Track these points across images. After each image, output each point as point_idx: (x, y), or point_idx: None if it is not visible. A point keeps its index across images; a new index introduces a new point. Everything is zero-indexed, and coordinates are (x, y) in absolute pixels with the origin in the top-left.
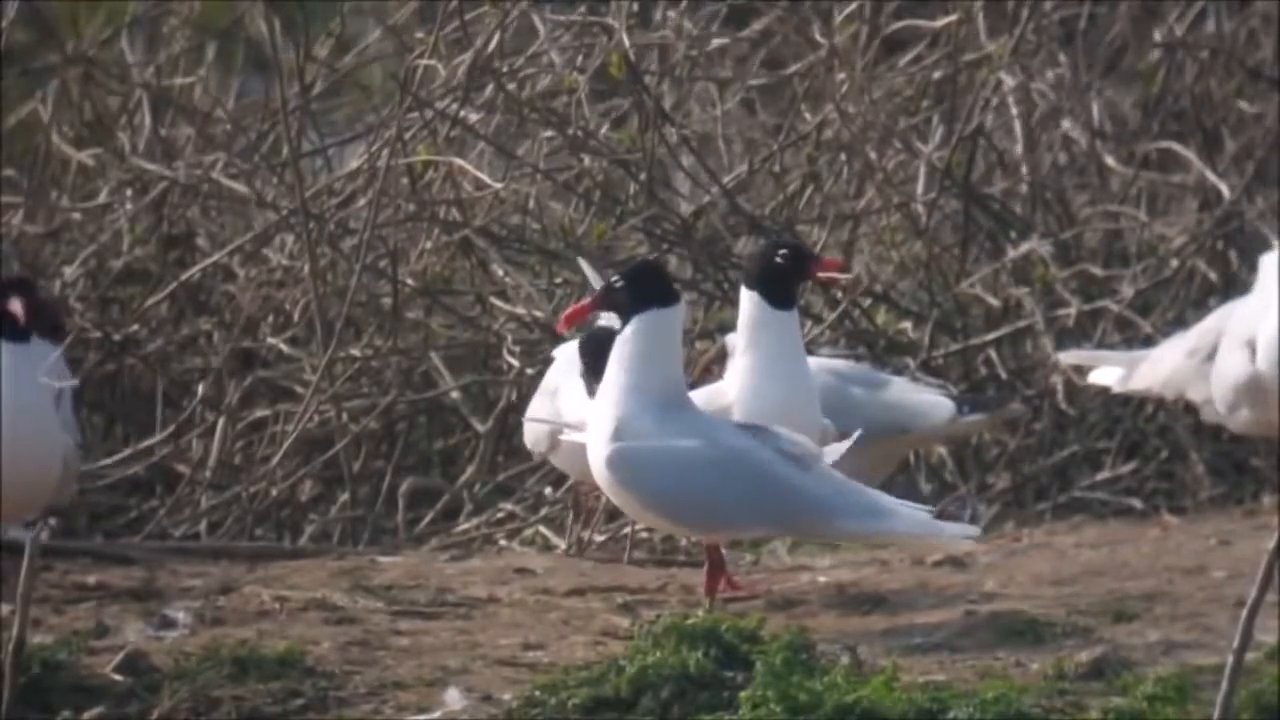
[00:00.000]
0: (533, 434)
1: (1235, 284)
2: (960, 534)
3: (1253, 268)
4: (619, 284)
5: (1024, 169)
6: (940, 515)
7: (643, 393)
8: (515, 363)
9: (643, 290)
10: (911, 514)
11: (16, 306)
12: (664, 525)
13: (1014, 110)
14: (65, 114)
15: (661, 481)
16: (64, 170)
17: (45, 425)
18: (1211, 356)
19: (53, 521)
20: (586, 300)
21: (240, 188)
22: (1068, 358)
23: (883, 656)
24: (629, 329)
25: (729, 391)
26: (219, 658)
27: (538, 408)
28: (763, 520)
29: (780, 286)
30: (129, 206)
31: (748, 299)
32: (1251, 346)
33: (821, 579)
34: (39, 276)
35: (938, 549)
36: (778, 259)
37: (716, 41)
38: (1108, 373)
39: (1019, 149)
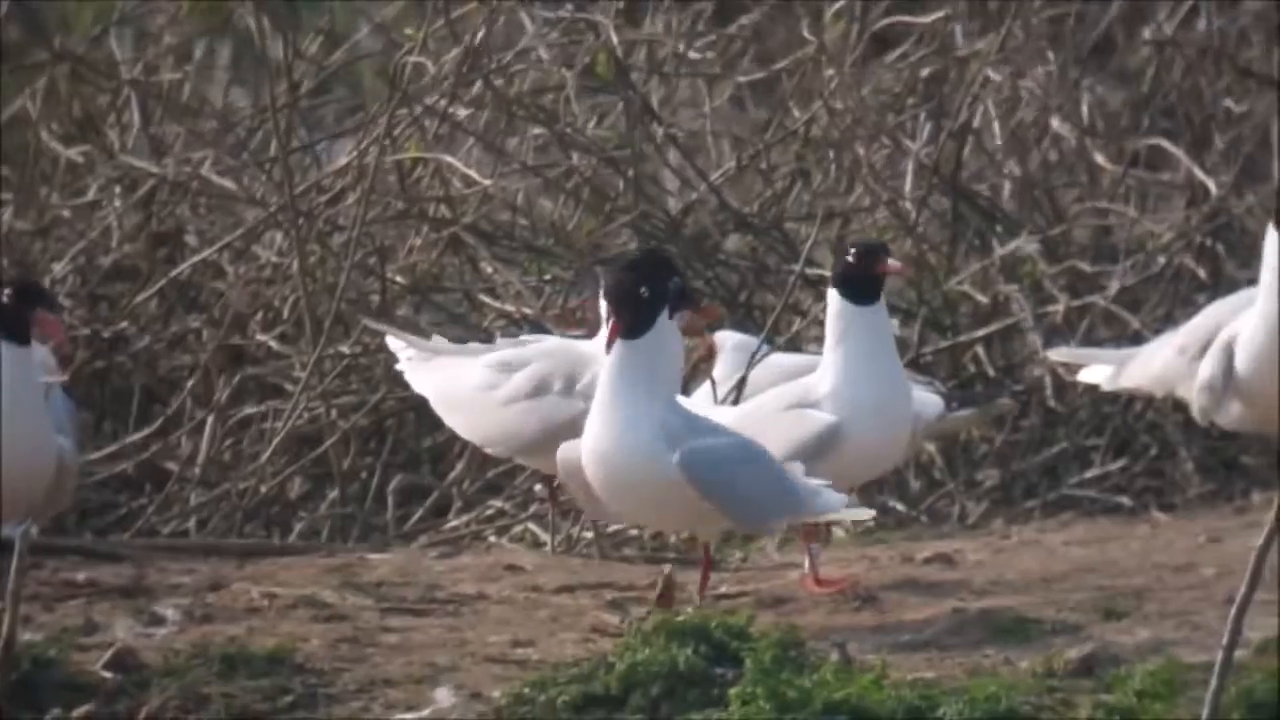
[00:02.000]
0: (545, 434)
1: (1223, 280)
2: (858, 515)
3: (1241, 264)
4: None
5: (1011, 166)
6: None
7: (659, 397)
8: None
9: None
10: (824, 494)
11: (48, 322)
12: (722, 524)
13: (1001, 107)
14: (54, 111)
15: (739, 479)
16: (53, 167)
17: (37, 424)
18: (1201, 354)
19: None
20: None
21: (229, 185)
22: (1057, 355)
23: (872, 654)
24: (648, 337)
25: (819, 387)
26: (208, 655)
27: (551, 407)
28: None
29: (854, 283)
30: (118, 204)
31: (831, 297)
32: (1231, 346)
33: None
34: (28, 274)
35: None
36: (849, 257)
37: (704, 39)
38: (1096, 371)
39: (1007, 146)
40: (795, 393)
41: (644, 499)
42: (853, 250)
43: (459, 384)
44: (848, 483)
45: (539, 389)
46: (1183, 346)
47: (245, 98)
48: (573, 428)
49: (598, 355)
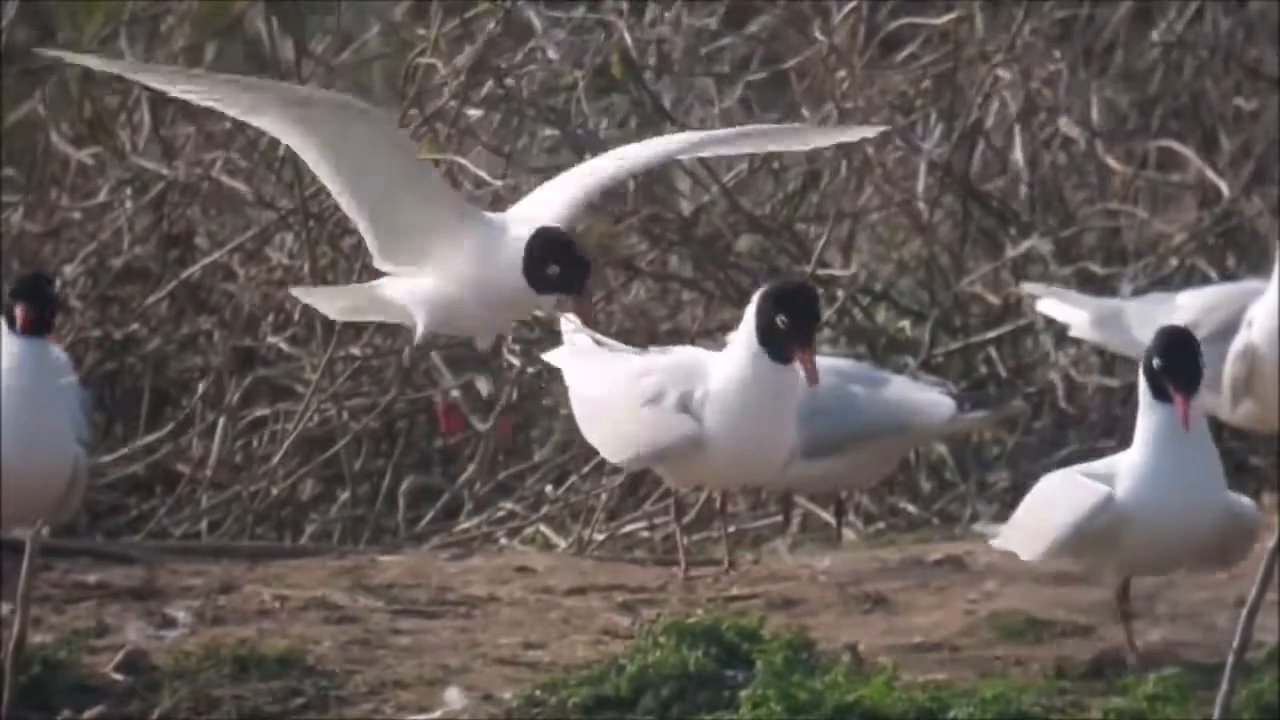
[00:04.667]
0: (654, 449)
1: (1234, 282)
2: None
3: (1252, 267)
4: None
5: (1023, 167)
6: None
7: None
8: (515, 361)
9: None
10: None
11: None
12: None
13: (1012, 108)
14: (65, 113)
15: None
16: (64, 169)
17: (53, 425)
18: (1213, 338)
19: None
20: None
21: (240, 186)
22: (1029, 288)
23: (883, 656)
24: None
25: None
26: (219, 657)
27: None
28: None
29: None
30: (129, 205)
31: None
32: (1249, 323)
33: (821, 578)
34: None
35: None
36: (779, 321)
37: (716, 44)
38: (1069, 312)
39: (1018, 147)
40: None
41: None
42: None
43: (594, 382)
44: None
45: (654, 399)
46: (1192, 325)
47: None
48: (681, 447)
49: (715, 371)
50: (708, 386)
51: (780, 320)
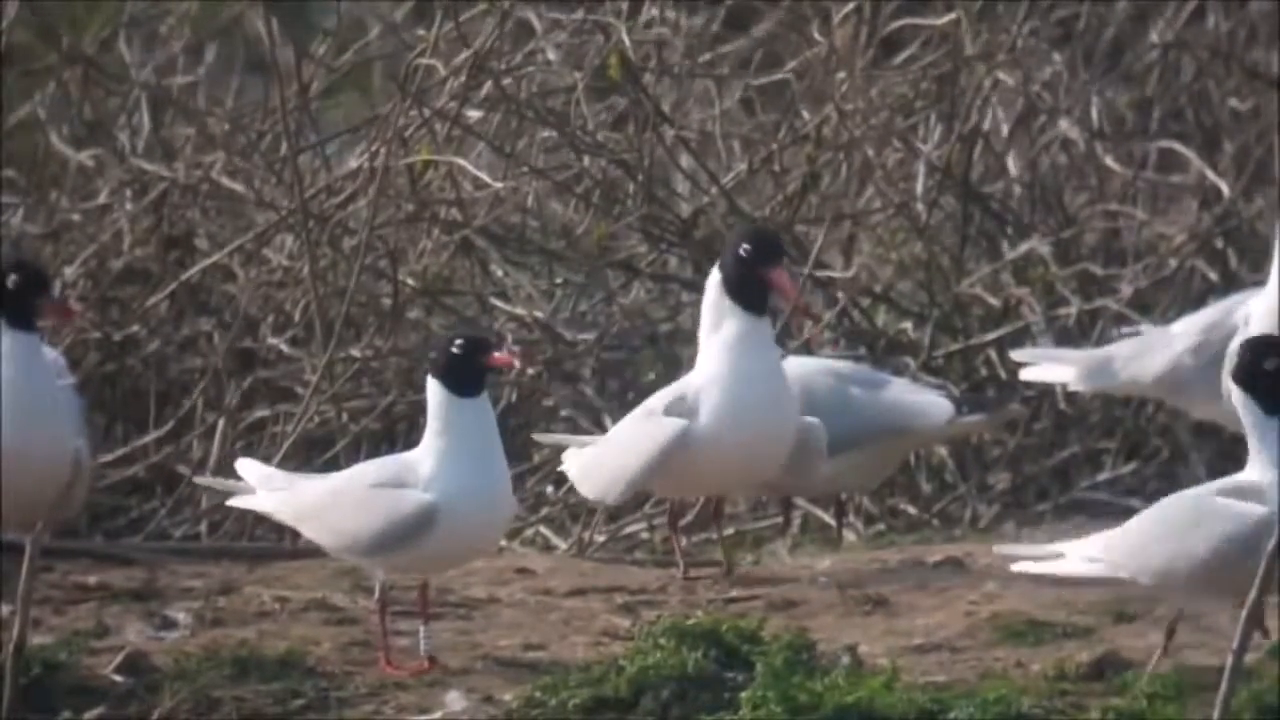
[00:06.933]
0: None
1: (1235, 283)
2: None
3: (1253, 267)
4: None
5: (1021, 168)
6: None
7: None
8: (515, 363)
9: None
10: None
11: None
12: None
13: (1009, 109)
14: (64, 114)
15: None
16: (63, 171)
17: (49, 417)
18: (1217, 359)
19: None
20: None
21: (239, 187)
22: (1019, 355)
23: (883, 657)
24: None
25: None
26: (219, 658)
27: None
28: None
29: (457, 375)
30: (129, 207)
31: (431, 387)
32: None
33: (821, 580)
34: (29, 257)
35: None
36: (453, 349)
37: (719, 49)
38: (1058, 371)
39: (1017, 148)
40: (392, 469)
41: None
42: (458, 342)
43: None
44: (443, 566)
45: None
46: (1197, 347)
47: (256, 98)
48: (673, 446)
49: (698, 370)
50: (694, 383)
51: (744, 250)
